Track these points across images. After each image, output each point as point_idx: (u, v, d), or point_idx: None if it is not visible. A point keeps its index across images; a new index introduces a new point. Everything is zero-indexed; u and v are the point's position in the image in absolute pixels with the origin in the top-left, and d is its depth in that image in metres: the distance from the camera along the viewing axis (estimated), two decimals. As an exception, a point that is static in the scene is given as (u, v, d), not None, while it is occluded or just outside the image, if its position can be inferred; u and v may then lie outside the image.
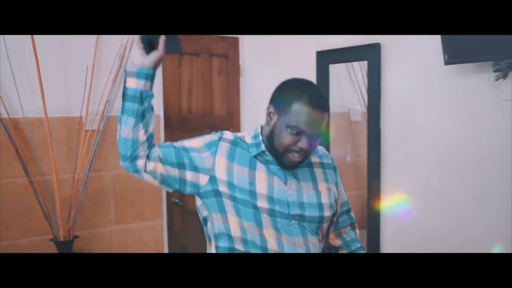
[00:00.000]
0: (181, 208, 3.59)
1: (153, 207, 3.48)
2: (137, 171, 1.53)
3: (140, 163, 1.51)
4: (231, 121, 3.84)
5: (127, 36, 3.16)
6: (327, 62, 3.08)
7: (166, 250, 3.57)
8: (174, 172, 1.55)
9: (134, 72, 1.50)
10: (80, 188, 3.08)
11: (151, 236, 3.50)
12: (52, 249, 3.00)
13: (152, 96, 1.53)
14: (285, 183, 1.59)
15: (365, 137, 2.85)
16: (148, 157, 1.53)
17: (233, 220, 1.56)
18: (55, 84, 3.06)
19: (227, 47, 3.79)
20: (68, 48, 3.10)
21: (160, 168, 1.54)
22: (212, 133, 1.66)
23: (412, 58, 2.58)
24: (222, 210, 1.57)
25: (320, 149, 1.76)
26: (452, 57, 2.25)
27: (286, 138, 1.52)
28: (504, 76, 2.14)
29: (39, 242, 3.03)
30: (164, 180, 1.57)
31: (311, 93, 1.53)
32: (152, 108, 1.54)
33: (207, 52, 3.70)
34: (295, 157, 1.54)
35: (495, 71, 2.16)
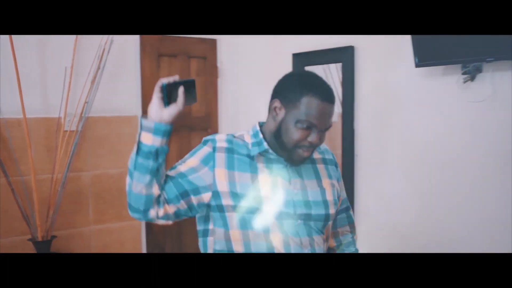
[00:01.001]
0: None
1: (132, 207, 3.48)
2: (150, 220, 1.46)
3: (152, 213, 1.44)
4: (209, 122, 3.88)
5: (105, 36, 3.18)
6: (302, 64, 3.14)
7: (144, 250, 3.59)
8: (182, 205, 1.48)
9: (151, 127, 1.38)
10: (59, 188, 3.09)
11: (129, 236, 3.52)
12: (30, 249, 3.00)
13: (167, 150, 1.43)
14: (289, 182, 1.53)
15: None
16: (158, 204, 1.45)
17: (235, 235, 1.50)
18: (33, 85, 3.07)
19: (205, 49, 3.83)
20: (47, 48, 3.11)
21: (169, 209, 1.47)
22: (203, 141, 1.57)
23: (385, 61, 2.66)
24: (225, 226, 1.50)
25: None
26: (422, 60, 2.33)
27: (295, 133, 1.45)
28: (472, 78, 2.23)
29: (17, 242, 3.03)
30: (178, 216, 1.50)
31: (319, 85, 1.47)
32: (164, 160, 1.44)
33: (186, 54, 3.74)
34: (304, 152, 1.48)
35: (463, 73, 2.25)
